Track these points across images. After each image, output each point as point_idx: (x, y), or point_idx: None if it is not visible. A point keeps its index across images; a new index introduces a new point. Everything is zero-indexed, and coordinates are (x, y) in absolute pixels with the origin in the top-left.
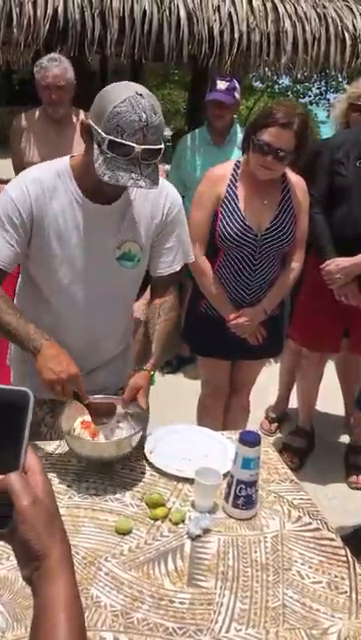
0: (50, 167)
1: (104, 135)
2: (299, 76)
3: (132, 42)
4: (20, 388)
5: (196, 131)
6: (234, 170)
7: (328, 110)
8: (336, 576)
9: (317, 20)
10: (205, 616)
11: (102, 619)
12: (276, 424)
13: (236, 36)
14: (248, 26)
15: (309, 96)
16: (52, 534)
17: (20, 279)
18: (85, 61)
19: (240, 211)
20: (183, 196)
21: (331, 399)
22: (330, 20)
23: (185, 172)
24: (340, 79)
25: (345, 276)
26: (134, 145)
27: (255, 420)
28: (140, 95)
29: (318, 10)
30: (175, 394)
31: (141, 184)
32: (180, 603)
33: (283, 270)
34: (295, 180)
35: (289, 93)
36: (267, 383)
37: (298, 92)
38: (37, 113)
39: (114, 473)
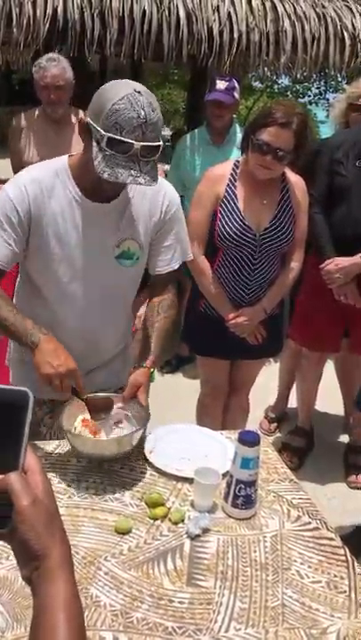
0: (48, 166)
1: (103, 133)
2: (298, 75)
3: (131, 42)
4: (20, 387)
5: (196, 130)
6: (233, 169)
7: (327, 110)
8: (335, 575)
9: (317, 19)
10: (205, 615)
11: (102, 618)
12: (275, 424)
13: (236, 35)
14: (247, 25)
15: (309, 96)
16: (51, 534)
17: (18, 278)
18: (85, 61)
19: (239, 210)
20: (182, 196)
21: (330, 399)
22: (329, 20)
23: (184, 171)
24: (340, 79)
25: (344, 275)
26: (133, 142)
27: (254, 419)
28: (139, 92)
29: (318, 9)
30: (174, 393)
31: (141, 181)
32: (180, 602)
33: (282, 270)
34: (294, 179)
35: (288, 93)
36: (266, 383)
37: (297, 91)
38: (36, 113)
39: (113, 473)
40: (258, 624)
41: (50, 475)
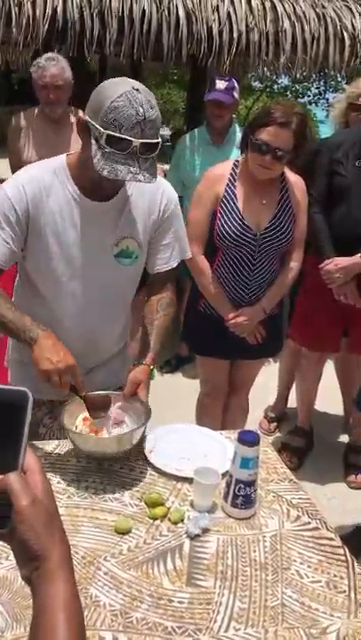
0: (46, 165)
1: (102, 130)
2: (298, 75)
3: (131, 41)
4: (19, 387)
5: (195, 130)
6: (233, 169)
7: (327, 110)
8: (335, 575)
9: (316, 19)
10: (204, 615)
11: (101, 618)
12: (275, 423)
13: (235, 35)
14: (247, 25)
15: (308, 96)
16: (51, 534)
17: (17, 277)
18: (84, 61)
19: (239, 210)
20: (182, 196)
21: (330, 399)
22: (329, 20)
23: (184, 171)
24: (339, 79)
25: (344, 275)
26: (132, 139)
27: (254, 419)
28: (137, 90)
29: (317, 9)
30: (174, 393)
31: (140, 178)
32: (179, 602)
33: (282, 270)
34: (294, 179)
35: (288, 93)
36: (266, 383)
37: (297, 91)
38: (35, 112)
39: (113, 472)
40: (257, 624)
41: (49, 475)
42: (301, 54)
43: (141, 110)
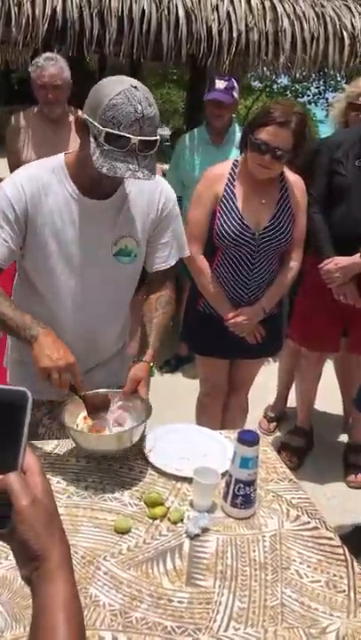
0: (45, 164)
1: (100, 128)
2: (297, 75)
3: (130, 41)
4: (19, 387)
5: (195, 130)
6: (232, 169)
7: (327, 109)
8: (335, 575)
9: (316, 19)
10: (204, 615)
11: (101, 618)
12: (274, 423)
13: (235, 35)
14: (246, 25)
15: (308, 95)
16: (51, 534)
17: (16, 277)
18: (84, 61)
19: (238, 210)
20: (181, 196)
21: (329, 398)
22: (328, 20)
23: (184, 171)
24: (339, 78)
25: (344, 275)
26: (131, 136)
27: (254, 419)
28: (135, 88)
29: (317, 9)
30: (174, 393)
31: (139, 175)
32: (179, 602)
33: (281, 269)
34: (293, 179)
35: (288, 93)
36: (265, 382)
37: (296, 91)
38: (34, 112)
39: (113, 472)
40: (257, 623)
41: (49, 474)
42: (301, 54)
43: (140, 108)
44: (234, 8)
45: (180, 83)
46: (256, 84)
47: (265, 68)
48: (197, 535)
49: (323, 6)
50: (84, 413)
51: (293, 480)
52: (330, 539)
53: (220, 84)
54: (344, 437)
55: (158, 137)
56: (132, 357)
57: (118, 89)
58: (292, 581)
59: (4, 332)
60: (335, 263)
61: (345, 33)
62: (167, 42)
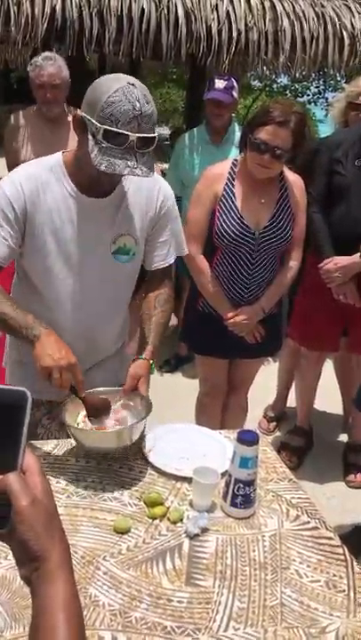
0: (42, 163)
1: (98, 125)
2: (297, 74)
3: (130, 40)
4: (19, 387)
5: (195, 130)
6: (231, 168)
7: (326, 109)
8: (334, 575)
9: (316, 18)
10: (204, 615)
11: (100, 618)
12: (274, 423)
13: (235, 34)
14: (246, 24)
15: (308, 95)
16: (51, 535)
17: (14, 277)
18: (83, 60)
19: (238, 209)
20: (181, 196)
21: (329, 398)
22: (328, 19)
23: (183, 170)
24: (339, 78)
25: (343, 274)
26: (129, 133)
27: (253, 418)
28: (132, 85)
29: (316, 8)
30: (173, 393)
31: (138, 172)
32: (179, 602)
33: (281, 269)
34: (293, 178)
35: (287, 92)
36: (265, 382)
37: (296, 90)
38: (32, 112)
39: (112, 472)
40: (257, 623)
41: (48, 474)
42: (301, 53)
43: (138, 105)
44: (233, 7)
45: (179, 82)
46: (256, 83)
47: (265, 68)
48: (197, 535)
49: (323, 6)
50: (85, 412)
51: (293, 480)
52: (330, 538)
53: (219, 84)
54: (344, 437)
55: (156, 134)
56: (131, 357)
57: (116, 86)
58: (291, 581)
59: (5, 332)
60: (335, 263)
61: (345, 32)
62: (167, 41)
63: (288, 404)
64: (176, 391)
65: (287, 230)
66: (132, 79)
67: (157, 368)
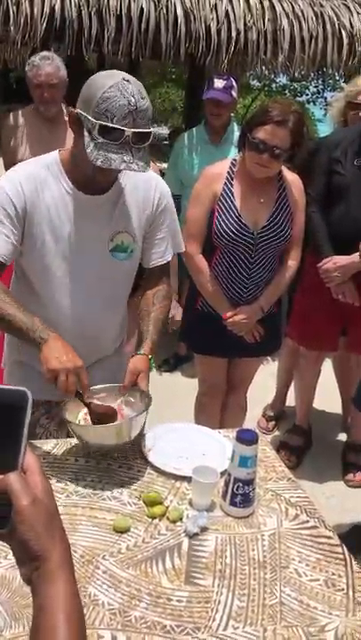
0: (39, 161)
1: (94, 121)
2: (296, 74)
3: (129, 40)
4: (19, 388)
5: (194, 129)
6: (230, 168)
7: (325, 109)
8: (333, 574)
9: (315, 18)
10: (203, 614)
11: (100, 617)
12: (273, 422)
13: (234, 34)
14: (245, 24)
15: (307, 94)
16: (51, 534)
17: (13, 276)
18: (82, 60)
19: (236, 209)
20: (180, 195)
21: (328, 397)
22: (327, 19)
23: (182, 170)
24: (338, 77)
25: (342, 274)
26: (124, 129)
27: (253, 418)
28: (127, 81)
29: (315, 8)
30: (173, 392)
31: (134, 167)
32: (178, 601)
33: (280, 268)
34: (291, 178)
35: (286, 92)
36: (264, 381)
37: (295, 90)
38: (30, 111)
39: (112, 471)
40: (256, 622)
41: (48, 474)
42: (300, 53)
43: (133, 100)
44: (233, 7)
45: (178, 82)
46: (255, 83)
47: (264, 67)
48: (196, 534)
49: (322, 5)
50: (85, 410)
51: (292, 479)
52: (329, 537)
53: (218, 83)
54: (343, 436)
55: (152, 129)
56: (130, 355)
57: (110, 82)
58: (291, 580)
59: (10, 333)
60: (334, 262)
61: (344, 32)
62: (166, 41)
63: (287, 404)
64: (175, 390)
65: (286, 230)
66: (126, 75)
67: (156, 367)
